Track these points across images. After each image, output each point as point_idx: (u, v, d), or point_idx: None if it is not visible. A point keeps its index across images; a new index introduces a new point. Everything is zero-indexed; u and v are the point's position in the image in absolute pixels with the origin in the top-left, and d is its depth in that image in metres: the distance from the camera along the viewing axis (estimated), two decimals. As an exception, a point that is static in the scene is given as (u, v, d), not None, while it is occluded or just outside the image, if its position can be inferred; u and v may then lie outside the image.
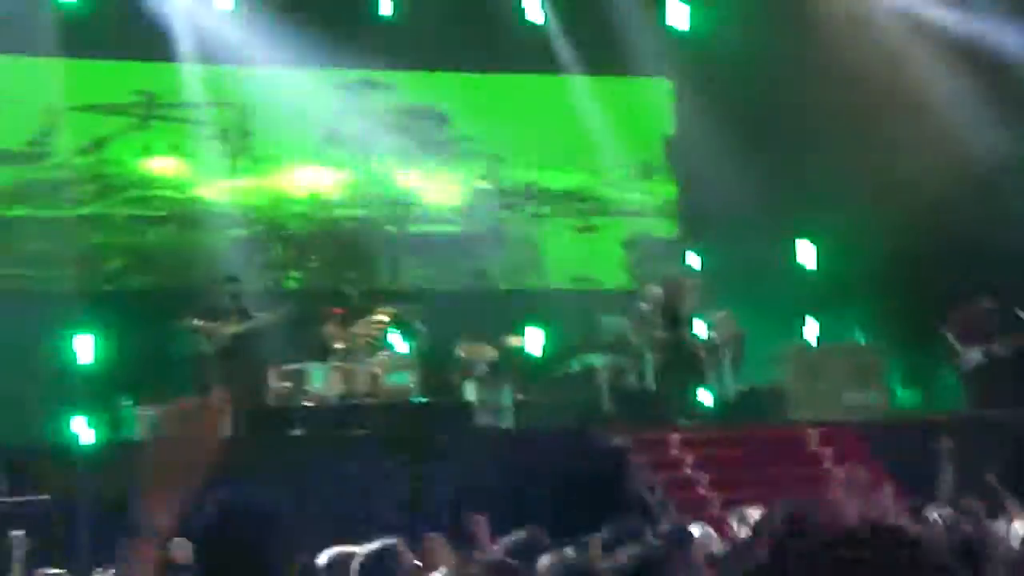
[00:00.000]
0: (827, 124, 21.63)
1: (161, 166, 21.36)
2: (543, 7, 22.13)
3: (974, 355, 18.90)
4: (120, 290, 20.62)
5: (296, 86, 21.44)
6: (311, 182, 22.04)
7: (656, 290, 19.01)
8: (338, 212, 22.18)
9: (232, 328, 17.18)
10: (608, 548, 6.38)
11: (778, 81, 21.93)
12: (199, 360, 17.38)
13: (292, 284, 21.47)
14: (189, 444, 3.05)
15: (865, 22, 22.23)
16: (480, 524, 12.13)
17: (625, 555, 5.17)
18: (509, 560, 6.56)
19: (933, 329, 19.45)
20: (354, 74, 22.04)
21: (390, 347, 18.97)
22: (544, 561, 6.15)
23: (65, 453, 15.98)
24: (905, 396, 21.30)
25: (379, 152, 22.29)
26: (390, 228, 22.27)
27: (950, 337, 19.18)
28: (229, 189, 21.50)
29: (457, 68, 22.43)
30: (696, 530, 9.01)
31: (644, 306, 19.38)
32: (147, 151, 21.25)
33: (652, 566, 4.61)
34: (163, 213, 21.19)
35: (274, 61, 20.91)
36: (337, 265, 21.92)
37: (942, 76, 21.50)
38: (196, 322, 17.35)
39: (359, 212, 22.29)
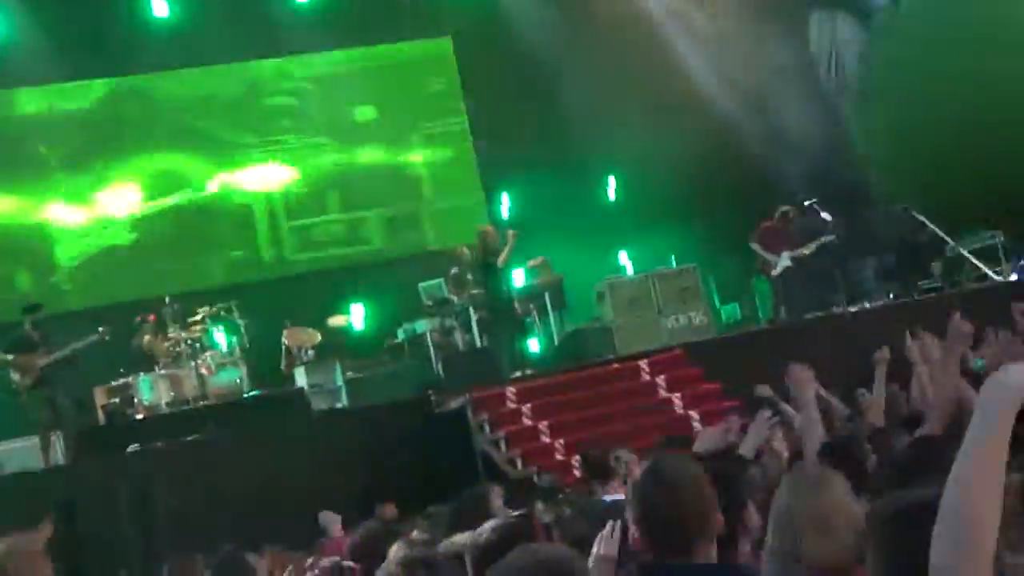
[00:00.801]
0: (604, 58, 21.94)
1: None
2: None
3: (783, 261, 19.31)
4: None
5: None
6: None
7: (466, 248, 19.05)
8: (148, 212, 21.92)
9: (40, 359, 16.65)
10: (457, 522, 6.31)
11: (551, 24, 22.18)
12: (17, 394, 16.89)
13: (104, 299, 21.02)
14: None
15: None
16: (329, 518, 12.12)
17: (488, 531, 5.15)
18: (347, 564, 6.45)
19: (740, 243, 19.84)
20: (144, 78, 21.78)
21: (214, 345, 18.76)
22: (393, 551, 6.07)
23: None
24: (726, 311, 21.72)
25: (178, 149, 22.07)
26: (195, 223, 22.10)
27: (757, 248, 19.57)
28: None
29: (234, 60, 22.31)
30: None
31: (458, 265, 19.42)
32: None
33: (516, 539, 4.61)
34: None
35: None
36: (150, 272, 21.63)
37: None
38: (4, 356, 16.82)
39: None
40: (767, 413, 7.23)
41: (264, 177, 22.76)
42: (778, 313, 19.66)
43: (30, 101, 21.66)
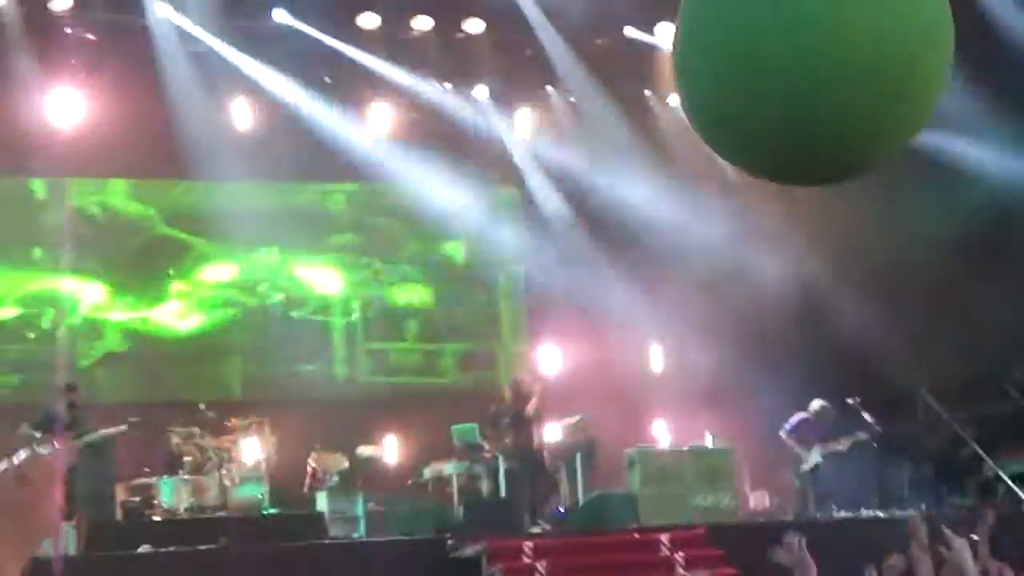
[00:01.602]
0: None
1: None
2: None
3: (814, 456, 19.26)
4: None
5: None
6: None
7: (506, 396, 19.09)
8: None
9: (69, 441, 16.64)
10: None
11: (611, 180, 22.42)
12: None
13: (141, 396, 21.11)
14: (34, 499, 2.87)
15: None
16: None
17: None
18: None
19: (777, 430, 19.77)
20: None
21: (242, 459, 18.78)
22: None
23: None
24: (755, 498, 21.51)
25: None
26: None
27: (790, 441, 19.53)
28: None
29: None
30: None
31: (494, 412, 19.43)
32: None
33: None
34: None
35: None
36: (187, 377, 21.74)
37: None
38: (31, 433, 16.81)
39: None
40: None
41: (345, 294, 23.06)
42: (805, 507, 19.50)
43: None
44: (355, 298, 23.17)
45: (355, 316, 23.12)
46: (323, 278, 22.96)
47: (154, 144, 20.73)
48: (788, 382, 20.74)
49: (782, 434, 19.54)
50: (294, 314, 22.68)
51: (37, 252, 21.53)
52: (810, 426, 19.41)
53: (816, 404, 19.50)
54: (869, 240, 20.87)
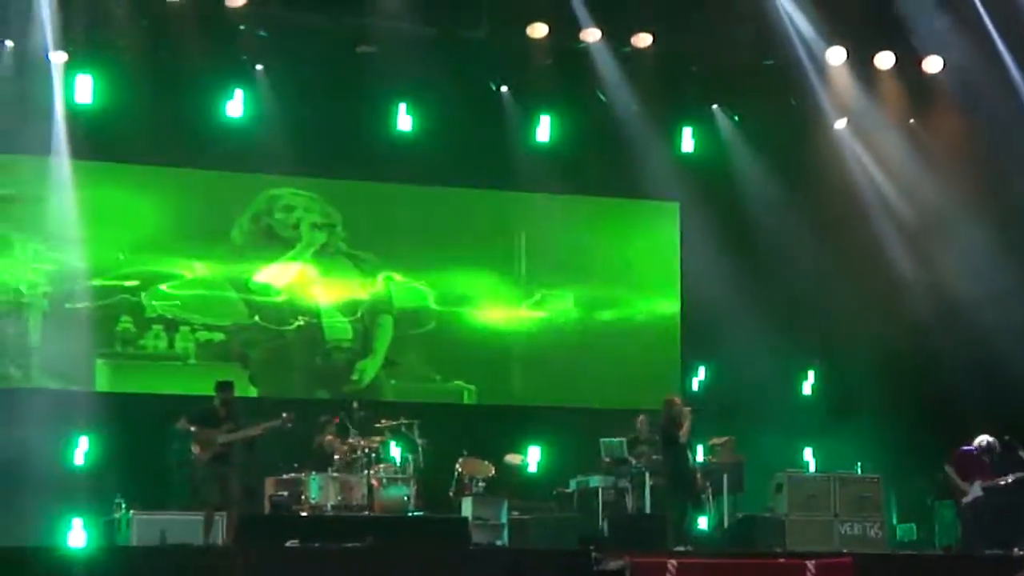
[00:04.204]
0: (821, 248, 21.91)
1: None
2: (551, 128, 22.40)
3: (974, 490, 18.86)
4: (117, 393, 20.54)
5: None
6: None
7: (645, 418, 19.11)
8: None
9: (222, 436, 16.94)
10: None
11: (777, 202, 22.22)
12: (191, 465, 17.19)
13: (296, 393, 21.38)
14: None
15: (859, 138, 22.53)
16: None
17: None
18: None
19: (930, 464, 19.43)
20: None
21: (389, 459, 18.92)
22: None
23: (59, 556, 15.75)
24: (902, 529, 21.22)
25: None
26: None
27: (951, 471, 19.11)
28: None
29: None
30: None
31: (643, 429, 19.40)
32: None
33: None
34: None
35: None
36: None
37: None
38: (188, 426, 17.13)
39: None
40: None
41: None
42: (958, 543, 19.11)
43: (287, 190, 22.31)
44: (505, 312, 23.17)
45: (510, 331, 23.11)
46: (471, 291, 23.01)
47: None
48: (943, 414, 20.43)
49: (946, 467, 19.14)
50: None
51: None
52: (972, 460, 18.98)
53: (981, 439, 19.05)
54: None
